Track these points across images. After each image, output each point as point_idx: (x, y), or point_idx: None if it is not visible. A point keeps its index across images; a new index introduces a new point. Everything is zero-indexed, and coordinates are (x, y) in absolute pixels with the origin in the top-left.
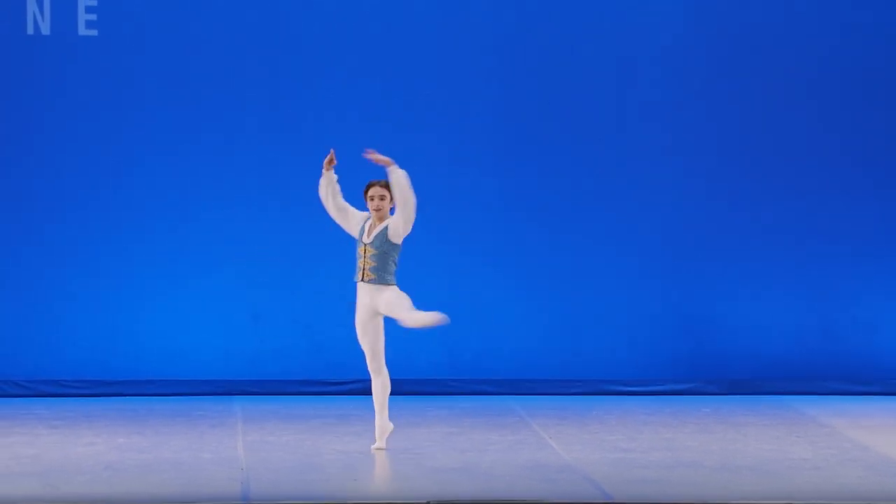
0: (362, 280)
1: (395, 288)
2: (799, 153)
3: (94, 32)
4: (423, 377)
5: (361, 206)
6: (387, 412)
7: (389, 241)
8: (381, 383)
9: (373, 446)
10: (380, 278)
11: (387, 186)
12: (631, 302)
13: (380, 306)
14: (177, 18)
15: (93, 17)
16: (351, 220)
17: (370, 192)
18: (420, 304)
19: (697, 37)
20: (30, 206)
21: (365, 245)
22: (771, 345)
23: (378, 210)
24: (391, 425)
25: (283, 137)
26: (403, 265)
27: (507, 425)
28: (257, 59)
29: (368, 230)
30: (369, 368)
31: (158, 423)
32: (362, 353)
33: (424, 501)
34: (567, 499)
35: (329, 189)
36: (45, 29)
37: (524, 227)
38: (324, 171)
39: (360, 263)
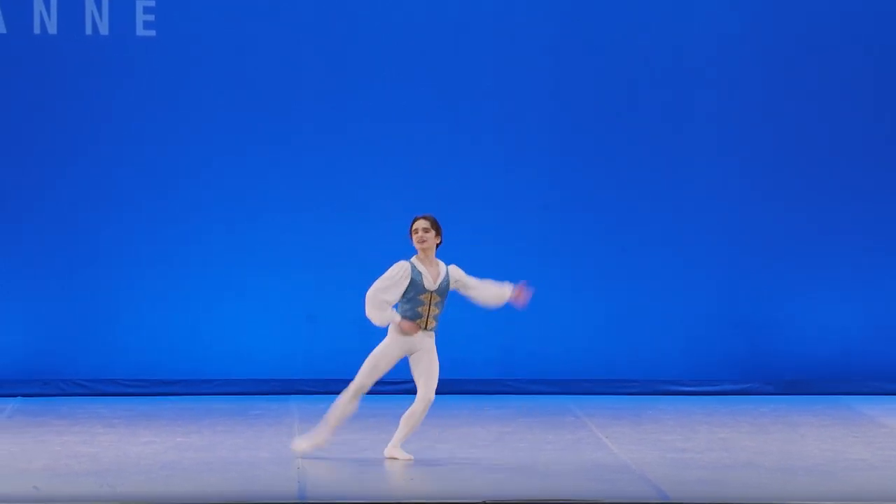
0: (425, 329)
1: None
2: (856, 154)
3: (151, 33)
4: (479, 377)
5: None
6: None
7: (447, 292)
8: (355, 408)
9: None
10: (437, 324)
11: (430, 220)
12: (687, 302)
13: (427, 350)
14: (234, 19)
15: (151, 17)
16: (401, 287)
17: (415, 226)
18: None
19: (755, 36)
20: (90, 208)
21: (431, 293)
22: (828, 345)
23: (423, 243)
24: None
25: (343, 141)
26: (459, 264)
27: (563, 425)
28: (317, 61)
29: (428, 276)
30: (355, 389)
31: (216, 423)
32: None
33: (480, 501)
34: (624, 499)
35: (387, 319)
36: (104, 30)
37: (580, 227)
38: (398, 328)
39: (421, 310)
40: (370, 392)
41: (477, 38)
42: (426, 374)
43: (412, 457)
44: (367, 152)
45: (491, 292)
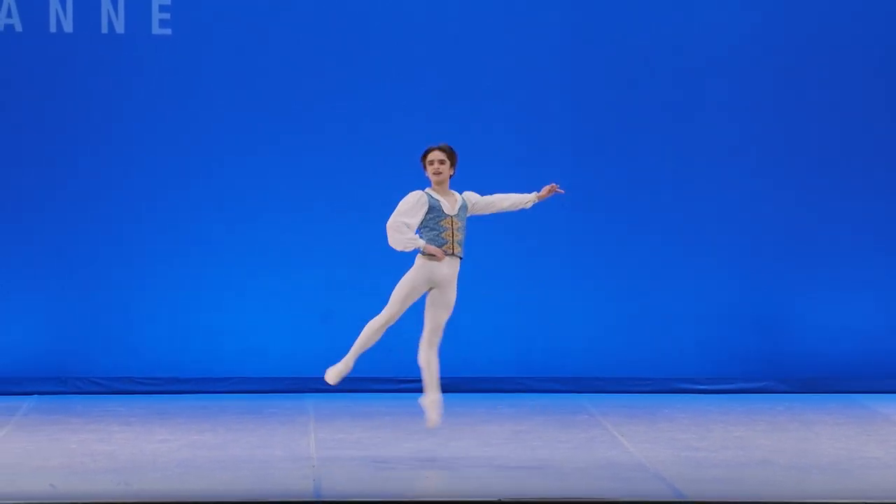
0: (452, 254)
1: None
2: (871, 152)
3: (167, 31)
4: (494, 375)
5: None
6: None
7: (466, 217)
8: (380, 334)
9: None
10: (462, 251)
11: (446, 150)
12: (702, 300)
13: (448, 288)
14: (250, 18)
15: (166, 16)
16: (423, 210)
17: (430, 157)
18: (492, 301)
19: (768, 34)
20: (104, 205)
21: (451, 217)
22: (843, 343)
23: (438, 174)
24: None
25: (357, 139)
26: (476, 264)
27: (578, 423)
28: (331, 60)
29: (444, 202)
30: (385, 319)
31: (231, 421)
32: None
33: (495, 499)
34: (638, 497)
35: (413, 238)
36: (120, 28)
37: (594, 225)
38: (424, 252)
39: (445, 236)
40: (382, 391)
41: (490, 36)
42: (443, 305)
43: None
44: (382, 151)
45: (515, 199)
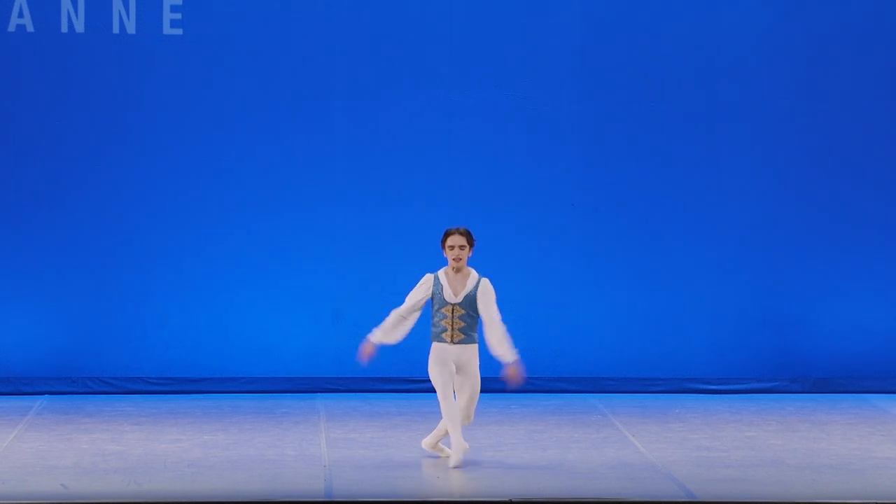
0: (451, 342)
1: (477, 355)
2: (887, 152)
3: (178, 31)
4: None
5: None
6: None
7: (476, 304)
8: (456, 404)
9: (452, 464)
10: (469, 338)
11: (465, 235)
12: (713, 300)
13: (468, 372)
14: (261, 17)
15: (178, 16)
16: (425, 296)
17: (449, 241)
18: (504, 301)
19: (785, 33)
20: (116, 205)
21: (453, 305)
22: (855, 343)
23: (458, 260)
24: (467, 444)
25: (369, 138)
26: (486, 262)
27: (590, 423)
28: (344, 59)
29: (451, 287)
30: (442, 395)
31: (242, 421)
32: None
33: (507, 499)
34: (650, 497)
35: (398, 329)
36: (131, 28)
37: (606, 224)
38: (371, 351)
39: (444, 324)
40: (397, 390)
41: (506, 35)
42: (464, 387)
43: (454, 454)
44: (394, 149)
45: (493, 340)
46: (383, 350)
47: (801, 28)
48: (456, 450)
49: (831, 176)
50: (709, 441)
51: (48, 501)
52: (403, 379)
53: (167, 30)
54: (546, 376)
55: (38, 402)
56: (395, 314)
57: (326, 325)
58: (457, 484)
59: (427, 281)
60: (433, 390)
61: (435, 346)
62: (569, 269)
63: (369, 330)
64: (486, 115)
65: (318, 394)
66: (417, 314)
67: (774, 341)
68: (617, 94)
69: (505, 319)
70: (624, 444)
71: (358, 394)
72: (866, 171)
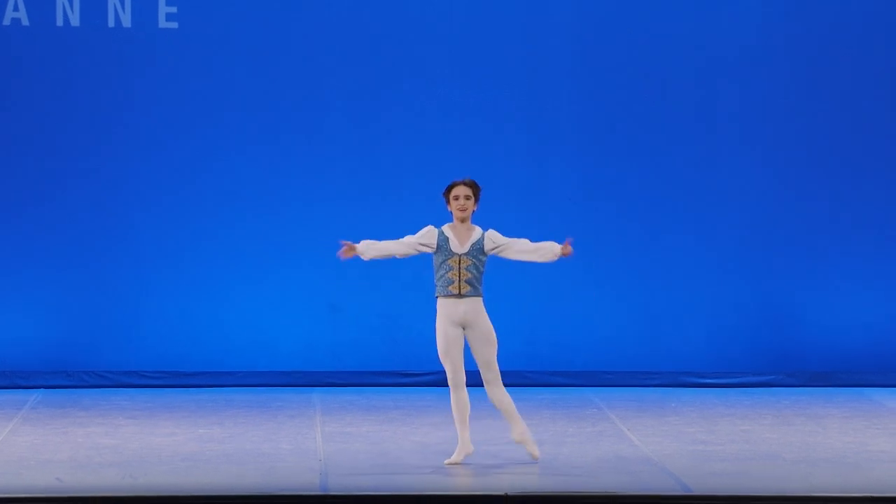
0: (459, 295)
1: (484, 309)
2: (882, 147)
3: (174, 25)
4: (501, 369)
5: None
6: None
7: (485, 253)
8: (465, 398)
9: (447, 461)
10: (475, 290)
11: (472, 186)
12: (709, 294)
13: (477, 325)
14: (257, 12)
15: (173, 9)
16: (428, 244)
17: (454, 192)
18: (500, 295)
19: (782, 31)
20: (111, 199)
21: (460, 256)
22: (850, 337)
23: (463, 210)
24: (472, 447)
25: (366, 133)
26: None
27: (586, 417)
28: (340, 54)
29: (457, 239)
30: (452, 383)
31: (237, 415)
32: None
33: (502, 493)
34: (645, 491)
35: (381, 253)
36: (126, 22)
37: (602, 219)
38: (350, 254)
39: (451, 276)
40: (394, 384)
41: (506, 35)
42: (480, 340)
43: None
44: (390, 144)
45: (534, 250)
46: (378, 344)
47: (800, 28)
48: (460, 450)
49: (826, 170)
50: (705, 435)
51: (43, 495)
52: (399, 373)
53: (163, 24)
54: (541, 370)
55: (34, 395)
56: (387, 242)
57: (322, 319)
58: (452, 478)
59: (430, 232)
60: (429, 384)
61: (441, 302)
62: (565, 264)
63: (366, 324)
64: (487, 115)
65: (314, 388)
66: (402, 256)
67: (770, 335)
68: (617, 94)
69: (502, 314)
70: (619, 437)
71: (354, 388)
72: (861, 166)
